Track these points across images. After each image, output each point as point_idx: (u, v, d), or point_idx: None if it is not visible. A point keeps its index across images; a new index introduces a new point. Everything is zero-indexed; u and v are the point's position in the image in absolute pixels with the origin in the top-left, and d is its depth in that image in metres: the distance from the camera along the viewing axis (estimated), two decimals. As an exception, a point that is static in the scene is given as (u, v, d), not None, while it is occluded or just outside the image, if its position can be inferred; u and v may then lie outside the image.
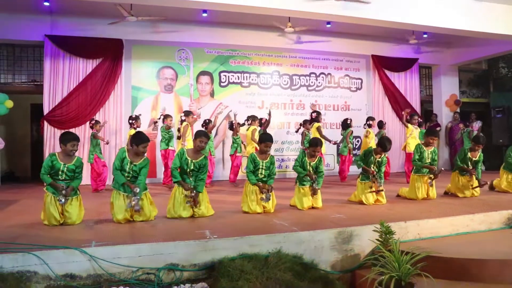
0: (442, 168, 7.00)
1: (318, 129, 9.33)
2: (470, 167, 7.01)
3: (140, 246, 3.94)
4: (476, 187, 6.98)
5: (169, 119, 9.05)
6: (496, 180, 7.77)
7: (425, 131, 7.58)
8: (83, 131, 10.01)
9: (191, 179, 5.44)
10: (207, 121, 9.32)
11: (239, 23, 10.94)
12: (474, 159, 7.07)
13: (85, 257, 3.74)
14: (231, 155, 9.59)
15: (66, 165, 5.03)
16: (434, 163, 6.88)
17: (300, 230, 4.47)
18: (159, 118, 9.26)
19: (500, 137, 12.64)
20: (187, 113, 9.08)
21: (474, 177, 6.94)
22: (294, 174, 6.43)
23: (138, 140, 5.24)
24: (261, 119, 9.67)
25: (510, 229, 5.32)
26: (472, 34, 10.27)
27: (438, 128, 12.55)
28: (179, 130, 8.90)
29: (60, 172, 5.00)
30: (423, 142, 7.12)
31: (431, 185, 6.73)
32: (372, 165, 6.38)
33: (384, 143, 6.42)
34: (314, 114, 9.52)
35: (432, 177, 6.70)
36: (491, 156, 11.11)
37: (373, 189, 6.29)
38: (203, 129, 8.27)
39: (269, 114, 9.58)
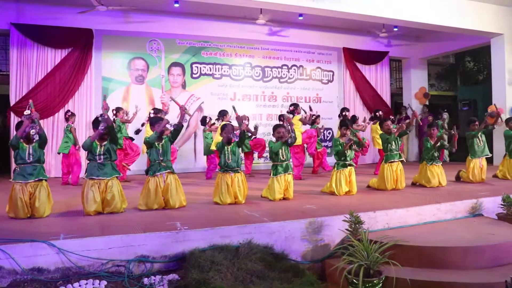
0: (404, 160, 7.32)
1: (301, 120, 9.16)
2: (436, 154, 7.36)
3: (110, 238, 3.91)
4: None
5: (121, 111, 8.69)
6: (462, 171, 8.00)
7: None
8: (51, 123, 9.82)
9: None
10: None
11: (211, 14, 10.87)
12: (437, 145, 7.34)
13: (53, 250, 3.68)
14: (209, 156, 9.29)
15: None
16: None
17: (270, 221, 4.50)
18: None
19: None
20: (157, 111, 8.73)
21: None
22: (264, 166, 6.45)
23: None
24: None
25: (474, 218, 5.50)
26: (441, 29, 10.53)
27: (407, 121, 12.72)
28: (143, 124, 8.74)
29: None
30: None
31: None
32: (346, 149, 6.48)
33: (344, 121, 6.77)
34: (291, 107, 9.36)
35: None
36: (458, 148, 11.36)
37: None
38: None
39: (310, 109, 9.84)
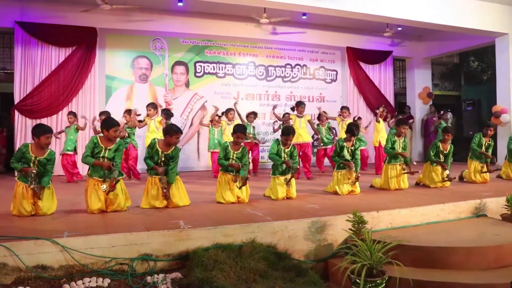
0: (414, 163, 7.12)
1: (309, 121, 9.16)
2: (442, 159, 7.17)
3: (113, 236, 3.91)
4: (445, 180, 7.11)
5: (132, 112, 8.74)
6: (465, 171, 7.97)
7: (396, 121, 7.69)
8: (55, 121, 9.83)
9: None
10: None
11: (214, 13, 10.87)
12: (445, 151, 7.22)
13: (57, 248, 3.69)
14: (214, 152, 9.15)
15: (38, 158, 4.92)
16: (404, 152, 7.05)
17: (274, 220, 4.50)
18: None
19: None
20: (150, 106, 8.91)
21: (445, 171, 7.08)
22: (269, 165, 6.44)
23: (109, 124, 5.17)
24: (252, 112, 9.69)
25: (477, 218, 5.48)
26: (445, 28, 10.50)
27: (411, 121, 12.72)
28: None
29: (31, 164, 4.88)
30: (395, 132, 7.21)
31: (404, 174, 6.88)
32: (347, 154, 6.44)
33: (351, 128, 6.57)
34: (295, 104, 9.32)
35: (405, 169, 6.84)
36: (462, 148, 11.36)
37: (352, 179, 6.35)
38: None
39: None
